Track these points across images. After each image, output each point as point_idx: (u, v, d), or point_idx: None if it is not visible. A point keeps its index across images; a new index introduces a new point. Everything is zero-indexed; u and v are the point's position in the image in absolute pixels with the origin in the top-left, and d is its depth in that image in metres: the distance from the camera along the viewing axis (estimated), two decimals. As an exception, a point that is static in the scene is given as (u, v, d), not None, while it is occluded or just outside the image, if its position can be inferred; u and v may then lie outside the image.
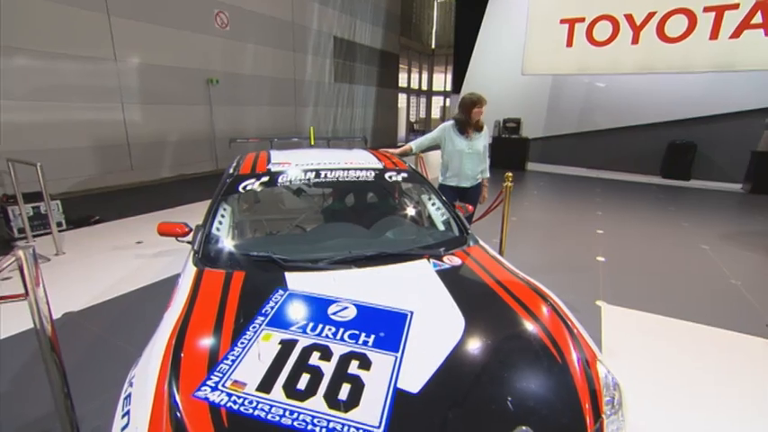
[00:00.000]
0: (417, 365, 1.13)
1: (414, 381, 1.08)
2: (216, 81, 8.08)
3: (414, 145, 3.24)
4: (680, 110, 9.45)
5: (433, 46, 20.70)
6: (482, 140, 3.06)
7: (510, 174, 3.27)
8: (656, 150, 9.87)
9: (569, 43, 10.34)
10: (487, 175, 3.16)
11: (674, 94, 9.51)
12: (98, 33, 6.29)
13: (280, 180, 2.04)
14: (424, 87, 21.03)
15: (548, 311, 1.42)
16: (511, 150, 10.38)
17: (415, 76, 20.20)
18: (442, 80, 21.34)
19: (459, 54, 13.45)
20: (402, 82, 18.48)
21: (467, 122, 2.98)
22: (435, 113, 22.81)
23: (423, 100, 21.44)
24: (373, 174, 2.18)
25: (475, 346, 1.24)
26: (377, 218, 2.28)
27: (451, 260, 1.72)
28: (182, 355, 1.13)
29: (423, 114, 21.88)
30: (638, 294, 3.11)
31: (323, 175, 2.09)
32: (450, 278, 1.58)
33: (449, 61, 19.30)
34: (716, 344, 2.50)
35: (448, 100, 19.78)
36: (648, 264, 3.78)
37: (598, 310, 2.85)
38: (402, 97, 19.02)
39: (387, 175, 2.21)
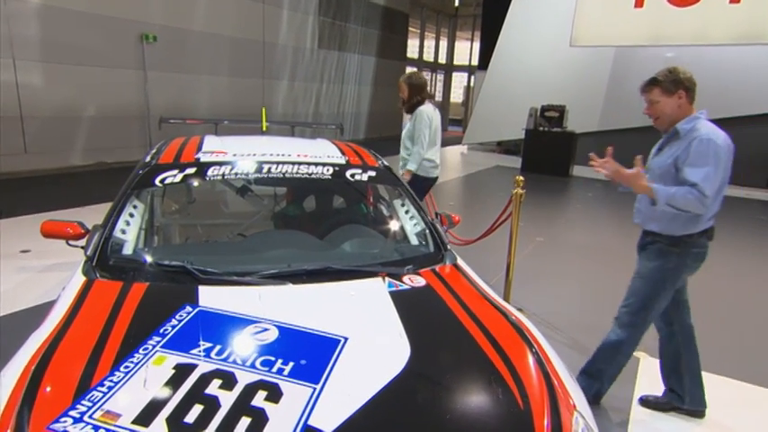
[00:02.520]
0: (338, 400, 1.25)
1: (330, 418, 1.21)
2: (152, 38, 8.32)
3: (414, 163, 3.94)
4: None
5: (457, 3, 21.15)
6: (409, 125, 3.92)
7: (521, 178, 3.43)
8: (763, 154, 9.96)
9: (639, 3, 10.63)
10: (408, 165, 3.91)
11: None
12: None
13: (210, 173, 2.18)
14: (443, 60, 21.48)
15: (524, 353, 1.53)
16: (551, 149, 10.22)
17: (430, 44, 20.67)
18: (467, 51, 21.82)
19: (490, 17, 13.85)
20: (412, 52, 18.91)
21: (401, 106, 3.96)
22: (456, 95, 23.26)
23: (440, 77, 21.89)
24: (331, 170, 2.32)
25: (416, 383, 1.36)
26: (334, 226, 2.42)
27: (414, 280, 1.85)
28: (42, 380, 1.24)
29: (439, 96, 22.32)
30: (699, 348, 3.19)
31: (265, 170, 2.23)
32: (406, 301, 1.71)
33: (477, 25, 19.73)
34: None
35: (473, 78, 20.17)
36: (716, 309, 3.90)
37: (635, 362, 2.97)
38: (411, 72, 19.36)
39: (349, 173, 2.35)
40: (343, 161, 2.46)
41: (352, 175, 2.36)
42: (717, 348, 3.35)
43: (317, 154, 2.48)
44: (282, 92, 11.73)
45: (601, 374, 2.48)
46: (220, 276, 1.76)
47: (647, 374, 2.89)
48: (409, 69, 18.38)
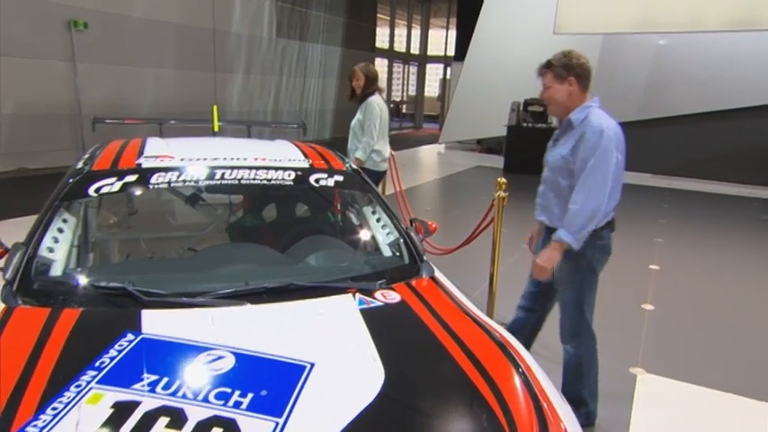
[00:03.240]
0: (305, 435, 1.26)
1: (296, 455, 1.21)
2: (83, 25, 8.15)
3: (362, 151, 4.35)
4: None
5: (430, -13, 21.47)
6: (359, 115, 4.35)
7: (503, 180, 3.50)
8: (762, 148, 10.24)
9: (628, -14, 11.04)
10: (353, 156, 4.32)
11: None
12: None
13: (153, 181, 2.16)
14: (416, 50, 21.74)
15: (510, 374, 1.56)
16: (535, 146, 10.69)
17: (401, 32, 20.89)
18: (442, 40, 22.12)
19: (466, 3, 14.12)
20: (382, 41, 19.07)
21: (352, 97, 4.39)
22: (431, 89, 23.52)
23: (413, 69, 22.13)
24: (293, 175, 2.33)
25: (392, 411, 1.36)
26: (297, 238, 2.43)
27: (387, 296, 1.87)
28: None
29: (413, 89, 22.54)
30: (695, 361, 3.32)
31: (218, 177, 2.22)
32: (379, 320, 1.72)
33: (452, 12, 20.06)
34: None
35: (449, 70, 20.45)
36: (719, 318, 4.04)
37: (631, 380, 3.06)
38: (382, 64, 19.59)
39: (313, 179, 2.37)
40: (306, 165, 2.47)
41: (317, 181, 2.37)
42: (679, 349, 3.47)
43: (276, 157, 2.48)
44: (236, 86, 11.64)
45: (580, 395, 2.55)
46: (167, 298, 1.74)
47: (646, 392, 2.97)
48: (379, 61, 18.52)
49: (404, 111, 22.44)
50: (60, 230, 2.06)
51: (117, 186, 2.13)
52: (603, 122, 2.29)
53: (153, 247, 2.72)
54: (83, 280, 1.87)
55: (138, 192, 2.30)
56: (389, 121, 4.55)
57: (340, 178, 2.44)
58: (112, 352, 1.48)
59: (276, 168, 2.34)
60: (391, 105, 19.79)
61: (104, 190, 2.12)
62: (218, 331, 1.59)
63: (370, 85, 4.30)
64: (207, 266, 2.11)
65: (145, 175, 2.20)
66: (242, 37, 11.57)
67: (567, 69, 2.33)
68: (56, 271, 1.92)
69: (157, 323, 1.61)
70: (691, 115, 10.68)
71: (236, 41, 11.40)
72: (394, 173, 5.56)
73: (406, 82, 21.99)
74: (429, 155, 13.14)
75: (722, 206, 8.43)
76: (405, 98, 22.38)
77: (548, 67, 2.36)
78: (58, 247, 2.00)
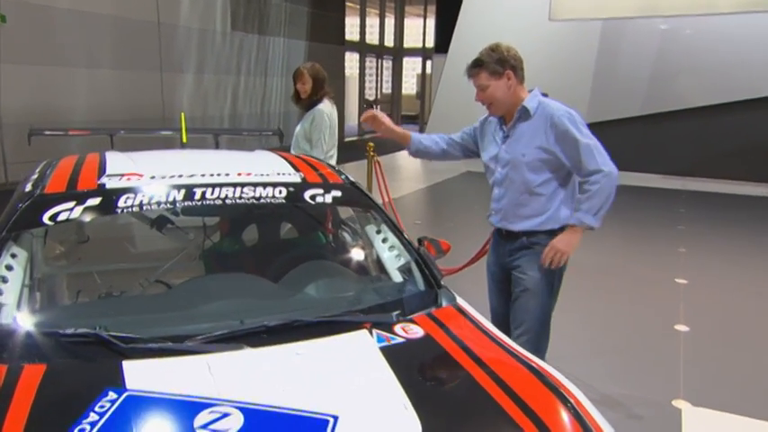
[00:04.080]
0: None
1: None
2: (0, 19, 7.97)
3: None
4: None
5: (404, -29, 21.76)
6: (305, 123, 4.32)
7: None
8: None
9: (628, -35, 11.32)
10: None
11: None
12: None
13: (121, 204, 2.10)
14: (390, 43, 21.93)
15: (561, 415, 1.54)
16: None
17: (373, 22, 21.05)
18: (419, 31, 22.39)
19: (447, -13, 14.33)
20: (352, 33, 19.16)
21: (296, 101, 4.41)
22: (409, 85, 23.74)
23: (388, 63, 22.29)
24: (285, 192, 2.31)
25: None
26: (291, 264, 2.39)
27: (409, 331, 1.84)
28: None
29: (388, 86, 22.69)
30: (743, 389, 3.35)
31: (198, 196, 2.18)
32: (404, 360, 1.68)
33: (430, -1, 20.35)
34: None
35: (429, 64, 20.68)
36: (761, 336, 4.12)
37: (676, 415, 3.08)
38: (352, 59, 19.68)
39: (308, 195, 2.35)
40: (297, 179, 2.44)
41: (313, 197, 2.34)
42: (724, 376, 3.52)
43: (262, 171, 2.45)
44: (187, 88, 11.53)
45: None
46: (150, 344, 1.68)
47: (695, 428, 2.98)
48: (350, 55, 18.62)
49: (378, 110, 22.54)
50: (9, 268, 1.98)
51: (77, 212, 2.06)
52: (562, 106, 2.48)
53: (112, 281, 2.64)
54: (42, 327, 1.79)
55: (104, 218, 2.23)
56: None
57: (338, 193, 2.41)
58: (93, 416, 1.41)
59: (265, 184, 2.30)
60: (365, 105, 19.86)
61: (62, 217, 2.04)
62: (219, 382, 1.53)
63: (319, 89, 4.27)
64: (190, 303, 2.06)
65: (110, 197, 2.13)
66: (192, 31, 11.49)
67: (502, 63, 2.46)
68: (6, 317, 1.84)
69: (144, 376, 1.55)
70: (702, 108, 10.99)
71: (185, 36, 11.31)
72: (381, 181, 5.55)
73: (379, 78, 22.13)
74: (411, 161, 13.17)
75: (744, 208, 8.66)
76: (379, 96, 22.51)
77: (478, 65, 2.48)
78: (7, 288, 1.92)
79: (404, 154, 12.92)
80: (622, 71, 11.61)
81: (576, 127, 2.41)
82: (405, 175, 11.08)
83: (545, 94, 2.61)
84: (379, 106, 22.47)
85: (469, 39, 12.95)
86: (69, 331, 1.72)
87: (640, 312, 4.50)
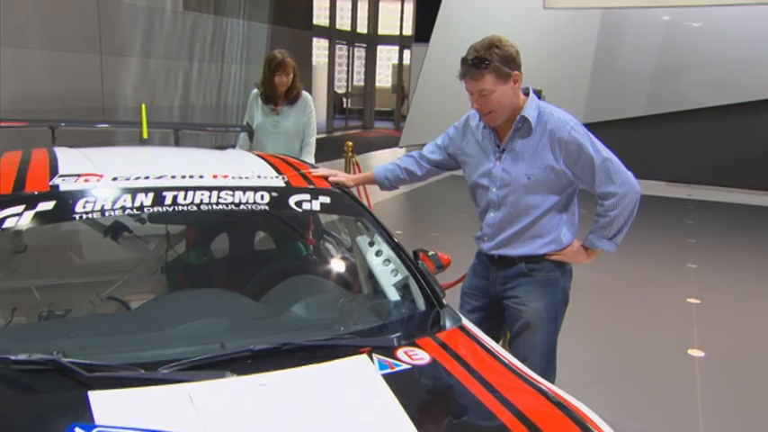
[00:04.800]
0: None
1: None
2: None
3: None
4: None
5: (380, -51, 21.90)
6: (295, 116, 4.39)
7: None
8: None
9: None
10: (310, 159, 4.24)
11: None
12: None
13: (79, 209, 2.06)
14: (363, 29, 22.00)
15: None
16: None
17: (345, 5, 21.08)
18: (396, 16, 22.52)
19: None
20: (321, 17, 19.15)
21: (271, 93, 4.33)
22: (383, 77, 23.81)
23: (360, 52, 22.35)
24: (267, 198, 2.29)
25: None
26: (272, 279, 2.38)
27: (413, 356, 1.83)
28: None
29: (360, 78, 22.72)
30: (766, 421, 3.41)
31: (169, 201, 2.15)
32: (411, 389, 1.69)
33: (409, -20, 20.47)
34: None
35: (407, 53, 20.77)
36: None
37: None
38: (321, 46, 19.67)
39: (294, 201, 2.34)
40: (281, 183, 2.43)
41: (299, 204, 2.32)
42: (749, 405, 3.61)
43: (240, 173, 2.43)
44: (132, 74, 11.36)
45: None
46: (120, 372, 1.64)
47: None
48: (318, 42, 18.60)
49: (348, 106, 22.55)
50: None
51: (27, 218, 2.01)
52: (566, 114, 2.41)
53: (56, 297, 2.59)
54: None
55: (59, 225, 2.19)
56: None
57: (327, 200, 2.41)
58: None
59: (245, 189, 2.28)
60: (334, 100, 19.88)
61: (9, 224, 1.99)
62: (204, 416, 1.50)
63: (298, 81, 4.42)
64: (159, 323, 2.03)
65: (66, 201, 2.08)
66: (138, 9, 11.35)
67: (509, 63, 2.30)
68: None
69: (115, 409, 1.50)
70: (711, 108, 11.19)
71: (129, 15, 11.16)
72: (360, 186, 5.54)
73: (350, 69, 22.15)
74: (392, 160, 13.22)
75: (759, 220, 8.89)
76: (350, 89, 22.53)
77: (483, 66, 2.26)
78: None
79: (383, 153, 12.94)
80: (623, 66, 11.80)
81: (589, 141, 2.34)
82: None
83: (538, 94, 2.52)
84: (349, 101, 22.52)
85: (455, 27, 13.05)
86: (21, 357, 1.66)
87: (650, 335, 4.56)
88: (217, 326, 1.99)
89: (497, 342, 2.73)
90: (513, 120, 2.40)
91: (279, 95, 4.33)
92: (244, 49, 14.43)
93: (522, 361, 2.54)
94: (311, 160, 4.29)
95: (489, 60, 2.26)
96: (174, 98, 12.51)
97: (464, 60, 2.32)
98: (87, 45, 10.43)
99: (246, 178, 2.39)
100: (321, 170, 2.64)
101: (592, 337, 4.44)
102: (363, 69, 22.62)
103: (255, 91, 4.46)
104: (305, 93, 4.47)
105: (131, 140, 3.84)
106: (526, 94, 2.44)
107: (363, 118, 22.49)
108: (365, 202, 4.87)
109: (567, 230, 2.49)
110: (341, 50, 21.35)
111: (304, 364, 1.74)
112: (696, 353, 4.26)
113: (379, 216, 5.46)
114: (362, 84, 22.63)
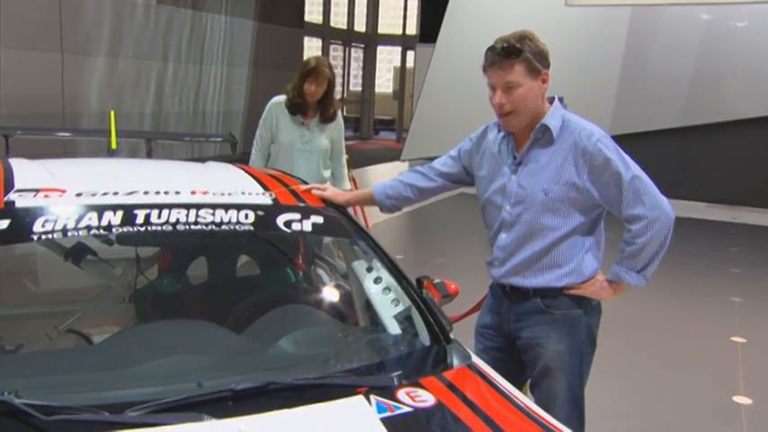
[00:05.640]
0: None
1: None
2: None
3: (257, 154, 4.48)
4: None
5: (381, -63, 22.13)
6: (328, 132, 4.39)
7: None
8: None
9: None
10: (347, 186, 4.23)
11: None
12: None
13: (38, 229, 2.08)
14: (361, 27, 22.15)
15: None
16: None
17: (340, 1, 21.21)
18: (399, 13, 22.68)
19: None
20: (313, 13, 19.28)
21: (298, 101, 4.26)
22: (384, 82, 23.93)
23: (357, 54, 22.49)
24: (254, 216, 2.32)
25: None
26: (260, 310, 2.39)
27: (416, 398, 1.83)
28: None
29: (357, 83, 22.85)
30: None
31: (141, 220, 2.17)
32: None
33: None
34: None
35: (410, 54, 20.89)
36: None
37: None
38: (313, 46, 19.77)
39: (282, 221, 2.36)
40: (268, 200, 2.45)
41: (288, 224, 2.34)
42: None
43: (223, 189, 2.45)
44: (97, 76, 11.45)
45: None
46: (81, 415, 1.63)
47: None
48: (310, 41, 18.71)
49: (344, 114, 22.62)
50: None
51: None
52: (593, 125, 2.42)
53: (14, 329, 2.62)
54: None
55: (13, 247, 2.20)
56: None
57: (319, 220, 2.43)
58: None
59: (227, 206, 2.30)
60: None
61: None
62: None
63: (333, 92, 4.37)
64: (128, 359, 2.03)
65: (23, 220, 2.10)
66: (105, 2, 11.45)
67: (541, 59, 2.34)
68: None
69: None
70: (756, 119, 11.26)
71: (95, 9, 11.27)
72: (357, 211, 5.57)
73: (347, 72, 22.28)
74: (393, 176, 13.24)
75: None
76: (345, 95, 22.64)
77: (514, 55, 2.30)
78: None
79: (383, 168, 12.95)
80: (656, 71, 11.85)
81: (618, 156, 2.34)
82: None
83: (561, 101, 2.52)
84: (345, 108, 22.62)
85: (464, 25, 13.17)
86: None
87: (689, 379, 4.55)
88: (193, 362, 2.00)
89: (520, 389, 2.74)
90: (532, 129, 2.42)
91: (308, 105, 4.29)
92: (226, 49, 14.55)
93: (545, 410, 2.56)
94: (348, 186, 4.35)
95: (521, 50, 2.29)
96: (145, 104, 12.59)
97: (491, 49, 2.35)
98: (46, 42, 10.50)
99: (229, 195, 2.41)
100: (311, 186, 2.67)
101: (622, 382, 4.43)
102: (361, 72, 22.75)
103: (278, 98, 4.38)
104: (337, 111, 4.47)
105: (97, 152, 3.87)
106: (550, 102, 2.46)
107: (361, 128, 22.60)
108: (362, 223, 4.88)
109: (591, 260, 2.46)
110: (336, 51, 21.50)
111: (291, 406, 1.74)
112: (742, 400, 4.24)
113: (380, 238, 5.52)
114: (360, 89, 22.76)
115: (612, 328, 5.18)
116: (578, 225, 2.43)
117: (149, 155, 3.85)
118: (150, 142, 3.90)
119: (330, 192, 2.67)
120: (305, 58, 4.42)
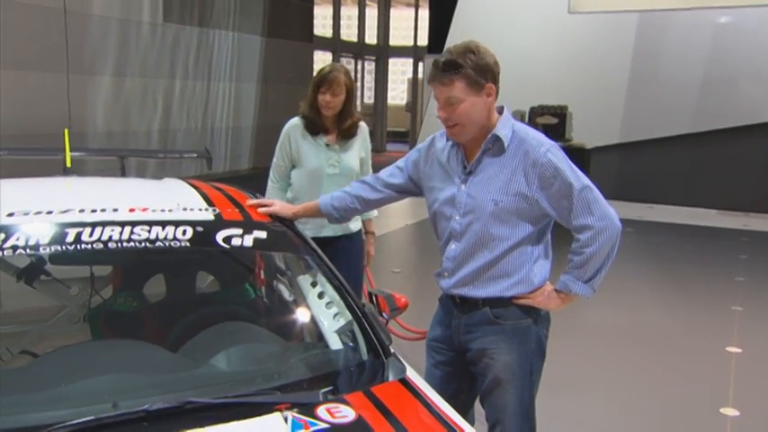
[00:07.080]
0: None
1: None
2: None
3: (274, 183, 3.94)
4: None
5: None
6: (356, 150, 3.84)
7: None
8: None
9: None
10: (374, 213, 3.88)
11: None
12: None
13: None
14: (372, 40, 22.22)
15: None
16: None
17: (351, 14, 21.33)
18: (410, 25, 22.74)
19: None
20: (323, 27, 19.36)
21: (314, 118, 3.74)
22: (396, 94, 23.96)
23: (369, 67, 22.56)
24: (190, 233, 2.31)
25: None
26: (198, 327, 2.39)
27: (335, 413, 1.84)
28: None
29: (370, 95, 22.90)
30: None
31: (71, 238, 2.17)
32: None
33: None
34: None
35: (421, 66, 20.92)
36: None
37: None
38: (324, 60, 19.81)
39: (221, 237, 2.36)
40: (210, 216, 2.45)
41: (228, 240, 2.34)
42: None
43: (163, 206, 2.46)
44: (103, 96, 11.53)
45: None
46: None
47: None
48: (321, 55, 18.77)
49: (356, 129, 22.67)
50: None
51: None
52: (542, 136, 2.45)
53: None
54: None
55: None
56: None
57: (262, 234, 2.42)
58: None
59: (164, 223, 2.30)
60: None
61: None
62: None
63: (353, 103, 3.85)
64: (51, 380, 2.03)
65: None
66: (110, 22, 11.53)
67: (484, 73, 2.34)
68: None
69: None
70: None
71: (100, 29, 11.33)
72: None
73: (359, 85, 22.32)
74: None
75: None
76: (360, 108, 22.69)
77: (454, 70, 2.31)
78: None
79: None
80: (666, 77, 11.77)
81: (568, 166, 2.36)
82: (388, 208, 11.11)
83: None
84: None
85: (470, 36, 13.09)
86: None
87: (678, 391, 4.49)
88: (114, 382, 2.00)
89: (471, 404, 2.72)
90: (483, 139, 2.43)
91: (326, 121, 3.74)
92: (234, 66, 14.61)
93: (495, 423, 2.53)
94: (375, 213, 3.98)
95: (461, 66, 2.30)
96: (152, 121, 12.65)
97: (435, 63, 2.36)
98: (52, 63, 10.54)
99: (169, 211, 2.42)
100: (258, 201, 2.67)
101: (609, 394, 4.40)
102: (373, 85, 22.79)
103: (295, 120, 3.82)
104: (362, 123, 3.90)
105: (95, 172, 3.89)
106: (500, 113, 2.47)
107: (374, 140, 22.57)
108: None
109: (539, 269, 2.48)
110: (347, 64, 21.57)
111: (205, 425, 1.74)
112: (729, 411, 4.18)
113: (377, 251, 5.55)
114: (372, 101, 22.80)
115: (600, 333, 5.15)
116: (527, 235, 2.43)
117: (123, 173, 3.86)
118: (123, 160, 3.91)
119: (277, 206, 2.66)
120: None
